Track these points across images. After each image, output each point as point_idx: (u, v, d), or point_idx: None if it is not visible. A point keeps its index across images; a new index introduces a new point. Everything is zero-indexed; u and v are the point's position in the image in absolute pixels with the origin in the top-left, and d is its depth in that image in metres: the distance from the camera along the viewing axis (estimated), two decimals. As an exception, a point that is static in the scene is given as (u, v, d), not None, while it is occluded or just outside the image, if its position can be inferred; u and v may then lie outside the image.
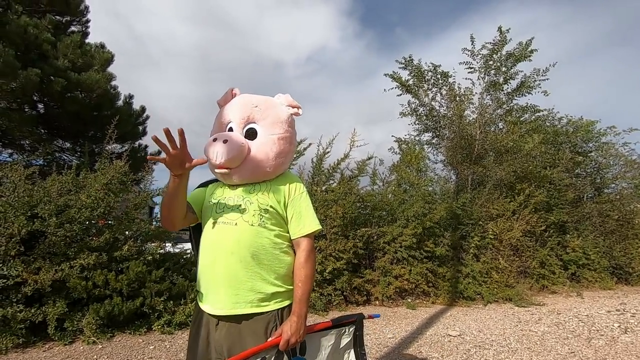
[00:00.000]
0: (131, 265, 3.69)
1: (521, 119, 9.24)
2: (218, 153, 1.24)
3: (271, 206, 1.30)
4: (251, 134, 1.34)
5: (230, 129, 1.37)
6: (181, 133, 1.11)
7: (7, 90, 5.66)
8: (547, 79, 8.50)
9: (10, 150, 7.29)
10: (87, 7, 8.02)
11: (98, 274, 3.49)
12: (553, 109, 10.07)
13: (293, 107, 1.44)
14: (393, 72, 9.07)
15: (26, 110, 6.75)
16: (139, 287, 3.73)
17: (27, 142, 7.18)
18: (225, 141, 1.25)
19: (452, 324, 4.56)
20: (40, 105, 7.04)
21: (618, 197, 9.78)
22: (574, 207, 9.02)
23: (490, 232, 6.87)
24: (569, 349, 3.72)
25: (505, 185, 8.22)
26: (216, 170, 1.32)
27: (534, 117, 9.35)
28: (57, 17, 7.38)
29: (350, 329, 1.44)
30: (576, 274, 7.71)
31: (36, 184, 3.77)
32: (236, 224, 1.26)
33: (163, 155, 1.13)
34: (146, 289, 3.74)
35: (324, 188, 5.91)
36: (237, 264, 1.23)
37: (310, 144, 6.00)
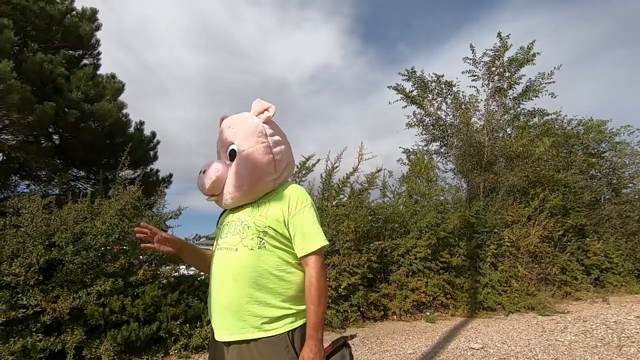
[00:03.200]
0: (147, 289, 3.70)
1: (529, 123, 9.16)
2: (201, 184, 1.31)
3: (269, 226, 1.23)
4: (232, 155, 1.33)
5: (220, 155, 1.40)
6: (145, 226, 1.31)
7: (25, 124, 5.87)
8: (553, 82, 8.46)
9: (27, 182, 7.49)
10: (98, 41, 8.35)
11: (115, 300, 3.51)
12: (560, 111, 9.98)
13: (262, 111, 1.35)
14: (397, 84, 9.16)
15: (42, 142, 6.97)
16: (155, 311, 3.74)
17: (44, 172, 7.37)
18: (204, 171, 1.30)
19: (474, 337, 4.42)
20: (55, 137, 7.27)
21: (637, 197, 9.52)
22: (591, 210, 8.81)
23: (507, 240, 6.72)
24: (599, 358, 3.56)
25: (519, 190, 8.09)
26: (207, 200, 1.36)
27: (542, 120, 9.26)
28: (70, 51, 7.70)
29: (346, 352, 1.36)
30: (600, 278, 7.46)
31: (53, 213, 3.86)
32: (236, 249, 1.23)
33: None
34: (162, 313, 3.74)
35: (334, 203, 5.91)
36: (240, 290, 1.19)
37: (318, 160, 6.04)
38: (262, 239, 1.23)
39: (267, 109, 1.34)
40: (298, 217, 1.26)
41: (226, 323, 1.22)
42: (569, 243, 7.54)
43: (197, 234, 4.65)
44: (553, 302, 6.25)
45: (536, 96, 8.59)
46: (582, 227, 8.19)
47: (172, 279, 4.09)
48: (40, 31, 7.01)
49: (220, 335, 1.23)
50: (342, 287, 4.99)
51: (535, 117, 9.17)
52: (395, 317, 5.46)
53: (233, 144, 1.32)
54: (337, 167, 6.03)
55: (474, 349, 3.93)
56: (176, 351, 3.67)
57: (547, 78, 8.45)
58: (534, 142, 8.36)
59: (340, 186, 6.04)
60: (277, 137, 1.36)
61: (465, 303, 5.81)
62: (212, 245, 1.49)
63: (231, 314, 1.20)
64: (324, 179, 6.07)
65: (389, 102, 9.41)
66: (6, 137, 6.49)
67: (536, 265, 6.84)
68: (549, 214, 7.36)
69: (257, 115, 1.35)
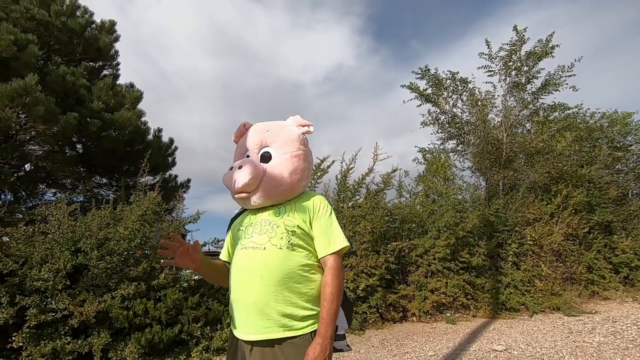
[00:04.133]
0: (168, 292, 3.79)
1: (550, 118, 8.90)
2: (235, 180, 1.29)
3: (298, 226, 1.29)
4: (266, 158, 1.38)
5: (248, 157, 1.41)
6: (173, 237, 1.30)
7: (50, 134, 6.11)
8: (574, 75, 8.19)
9: (53, 190, 7.79)
10: (117, 52, 8.62)
11: (138, 303, 3.61)
12: (582, 104, 9.66)
13: (303, 125, 1.46)
14: (410, 82, 9.06)
15: (67, 151, 7.23)
16: (176, 314, 3.82)
17: (68, 180, 7.64)
18: (240, 167, 1.30)
19: (497, 338, 4.32)
20: (78, 146, 7.53)
21: (668, 191, 9.11)
22: (618, 206, 8.48)
23: (529, 238, 6.54)
24: (630, 360, 3.42)
25: (540, 187, 7.87)
26: (235, 196, 1.35)
27: (563, 115, 8.98)
28: (91, 63, 7.97)
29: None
30: (629, 277, 7.17)
31: (78, 219, 4.00)
32: (264, 248, 1.26)
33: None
34: (183, 316, 3.82)
35: (350, 204, 5.89)
36: (266, 288, 1.22)
37: (333, 161, 6.04)
38: (291, 238, 1.27)
39: (308, 125, 1.47)
40: (322, 218, 1.33)
41: (250, 322, 1.23)
42: (595, 241, 7.27)
43: (215, 238, 4.71)
44: (580, 302, 6.04)
45: (556, 90, 8.34)
46: (608, 223, 7.90)
47: (192, 282, 4.17)
48: (62, 45, 7.29)
49: (244, 335, 1.24)
50: (360, 288, 4.97)
51: (555, 111, 8.90)
52: (414, 318, 5.39)
53: (269, 146, 1.40)
54: (352, 168, 6.01)
55: (497, 350, 3.84)
56: (198, 353, 3.74)
57: (568, 71, 8.20)
58: (555, 137, 8.12)
59: (356, 187, 6.01)
60: (309, 150, 1.49)
61: (486, 304, 5.69)
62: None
63: (256, 313, 1.22)
64: (339, 181, 6.06)
65: (403, 101, 9.34)
66: (33, 147, 6.77)
67: (561, 264, 6.63)
68: (573, 211, 7.12)
69: (297, 126, 1.46)
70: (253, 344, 1.24)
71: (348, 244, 1.33)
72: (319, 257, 1.31)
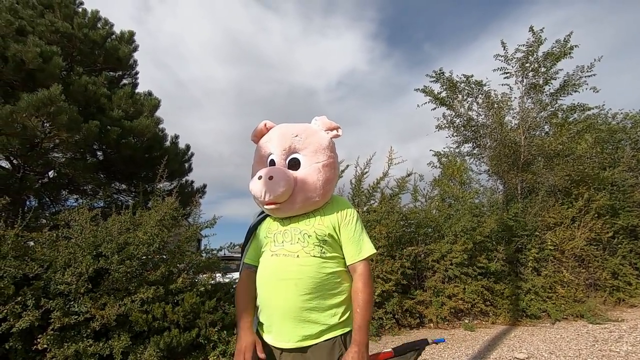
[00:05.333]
0: (186, 296, 3.83)
1: (569, 119, 8.68)
2: (265, 190, 1.24)
3: (329, 234, 1.28)
4: (294, 164, 1.34)
5: (272, 162, 1.36)
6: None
7: (72, 142, 6.32)
8: (594, 75, 7.97)
9: (76, 196, 8.04)
10: (135, 61, 8.88)
11: (156, 307, 3.66)
12: (604, 105, 9.38)
13: (332, 129, 1.41)
14: (424, 86, 8.99)
15: (88, 158, 7.47)
16: (194, 318, 3.86)
17: (90, 187, 7.87)
18: (271, 177, 1.24)
19: (518, 346, 4.21)
20: (99, 153, 7.77)
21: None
22: (644, 209, 8.15)
23: (549, 243, 6.36)
24: (661, 370, 3.28)
25: (560, 191, 7.67)
26: (265, 207, 1.32)
27: (583, 116, 8.74)
28: (111, 72, 8.24)
29: (411, 357, 1.37)
30: (657, 284, 6.86)
31: (99, 224, 4.10)
32: (298, 255, 1.25)
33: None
34: (201, 320, 3.85)
35: (365, 208, 5.87)
36: (301, 296, 1.21)
37: (347, 166, 6.04)
38: (323, 247, 1.27)
39: (337, 128, 1.41)
40: (350, 225, 1.32)
41: (282, 330, 1.24)
42: (619, 246, 7.02)
43: (231, 242, 4.75)
44: (604, 310, 5.82)
45: (576, 91, 8.12)
46: (634, 227, 7.60)
47: (209, 286, 4.20)
48: (84, 55, 7.57)
49: (276, 342, 1.25)
50: (375, 294, 4.92)
51: (575, 112, 8.66)
52: (431, 324, 5.30)
53: (298, 153, 1.34)
54: (366, 172, 6.00)
55: (518, 358, 3.73)
56: (215, 357, 3.76)
57: (587, 71, 7.98)
58: (575, 139, 7.90)
59: (371, 192, 5.99)
60: (336, 155, 1.44)
61: (506, 310, 5.55)
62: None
63: (289, 320, 1.22)
64: (353, 185, 6.05)
65: (417, 105, 9.25)
66: (57, 155, 7.02)
67: (583, 270, 6.42)
68: (596, 215, 6.90)
69: (325, 131, 1.40)
70: (283, 349, 1.24)
71: (376, 250, 1.34)
72: (348, 264, 1.31)
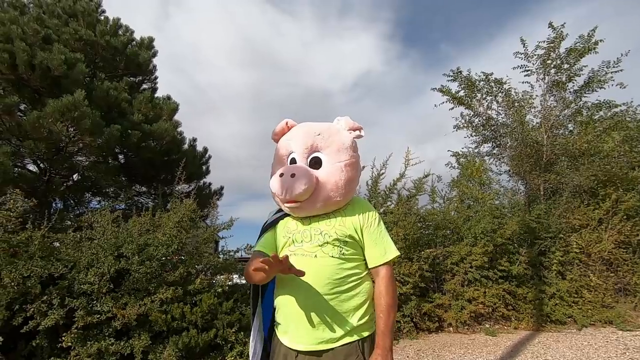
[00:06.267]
0: (204, 297, 3.88)
1: (594, 117, 8.35)
2: (286, 188, 1.22)
3: (350, 235, 1.26)
4: (316, 163, 1.32)
5: (293, 160, 1.34)
6: (286, 258, 1.09)
7: (95, 146, 6.52)
8: (621, 70, 7.65)
9: (98, 198, 8.29)
10: (155, 66, 9.10)
11: (175, 307, 3.72)
12: (632, 101, 8.98)
13: (355, 129, 1.40)
14: (442, 85, 8.84)
15: (109, 161, 7.68)
16: (211, 319, 3.90)
17: (111, 189, 8.10)
18: (292, 175, 1.22)
19: (543, 352, 4.05)
20: (120, 156, 7.98)
21: None
22: (677, 211, 7.75)
23: (575, 246, 6.12)
24: (699, 381, 3.09)
25: (586, 191, 7.37)
26: (285, 205, 1.30)
27: (610, 113, 8.39)
28: (132, 78, 8.45)
29: None
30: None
31: (120, 226, 4.20)
32: (316, 255, 1.23)
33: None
34: (218, 321, 3.89)
35: (382, 210, 5.80)
36: (318, 297, 1.19)
37: (363, 167, 5.97)
38: (342, 247, 1.24)
39: (360, 129, 1.40)
40: (373, 227, 1.30)
41: (299, 332, 1.22)
42: (651, 249, 6.69)
43: (247, 244, 4.78)
44: (635, 316, 5.56)
45: (601, 87, 7.81)
46: (666, 230, 7.24)
47: (227, 287, 4.24)
48: (106, 62, 7.80)
49: (292, 344, 1.23)
50: (393, 296, 4.85)
51: (601, 110, 8.32)
52: (451, 329, 5.18)
53: (319, 152, 1.33)
54: (383, 173, 5.93)
55: (543, 366, 3.60)
56: (232, 358, 3.78)
57: (614, 66, 7.67)
58: (601, 137, 7.60)
59: (387, 193, 5.92)
60: (359, 155, 1.42)
61: (529, 315, 5.37)
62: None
63: (306, 325, 1.20)
64: (370, 187, 5.99)
65: (435, 105, 9.09)
66: (80, 158, 7.25)
67: (612, 274, 6.15)
68: (625, 217, 6.59)
69: (348, 131, 1.39)
70: (299, 352, 1.22)
71: (399, 252, 1.31)
72: (370, 267, 1.28)
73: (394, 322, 1.22)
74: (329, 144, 1.32)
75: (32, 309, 3.20)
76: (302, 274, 1.14)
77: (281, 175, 1.24)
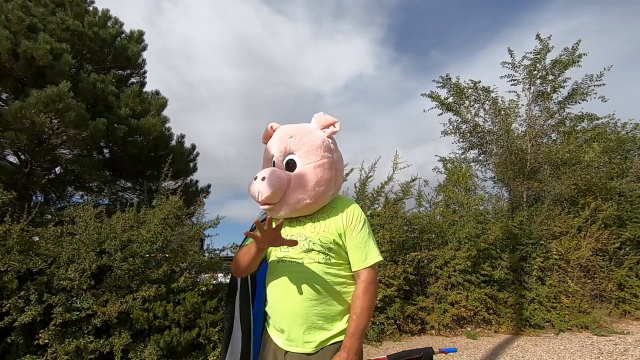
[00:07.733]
0: (187, 296, 3.83)
1: (577, 128, 8.61)
2: (259, 191, 1.24)
3: (333, 241, 1.26)
4: (291, 166, 1.32)
5: (274, 163, 1.37)
6: (280, 225, 1.14)
7: (80, 139, 6.37)
8: (603, 84, 7.91)
9: (81, 192, 8.09)
10: (144, 60, 8.94)
11: (158, 306, 3.66)
12: (614, 114, 9.29)
13: (328, 125, 1.36)
14: (431, 91, 8.97)
15: (94, 155, 7.51)
16: (194, 317, 3.85)
17: (95, 184, 7.92)
18: (263, 178, 1.24)
19: (521, 355, 4.15)
20: (105, 150, 7.81)
21: None
22: (652, 221, 8.04)
23: (555, 252, 6.29)
24: (667, 385, 3.21)
25: (567, 200, 7.59)
26: (261, 207, 1.32)
27: (592, 125, 8.67)
28: (120, 71, 8.29)
29: None
30: (665, 297, 6.75)
31: (104, 222, 4.12)
32: (302, 261, 1.25)
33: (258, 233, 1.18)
34: (201, 320, 3.84)
35: (369, 213, 5.84)
36: (305, 302, 1.21)
37: (352, 169, 6.02)
38: (327, 254, 1.25)
39: (333, 124, 1.35)
40: (357, 231, 1.29)
41: (290, 335, 1.25)
42: (626, 257, 6.93)
43: (234, 243, 4.75)
44: (610, 321, 5.75)
45: (584, 100, 8.06)
46: (641, 239, 7.50)
47: (211, 286, 4.20)
48: (94, 53, 7.63)
49: (283, 345, 1.27)
50: (377, 299, 4.89)
51: (583, 121, 8.60)
52: (433, 331, 5.26)
53: (293, 154, 1.32)
54: (371, 176, 5.99)
55: (521, 369, 3.68)
56: (214, 358, 3.75)
57: (596, 80, 7.93)
58: (583, 148, 7.83)
59: (375, 196, 5.97)
60: (338, 153, 1.39)
61: (509, 319, 5.49)
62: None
63: (295, 327, 1.23)
64: (357, 189, 6.03)
65: (424, 110, 9.23)
66: (64, 151, 7.06)
67: (589, 281, 6.34)
68: (603, 225, 6.81)
69: (322, 129, 1.36)
70: (288, 351, 1.26)
71: (382, 258, 1.31)
72: (352, 270, 1.29)
73: (367, 325, 1.22)
74: (300, 145, 1.32)
75: (8, 305, 3.11)
76: (295, 243, 1.18)
77: (255, 178, 1.26)
